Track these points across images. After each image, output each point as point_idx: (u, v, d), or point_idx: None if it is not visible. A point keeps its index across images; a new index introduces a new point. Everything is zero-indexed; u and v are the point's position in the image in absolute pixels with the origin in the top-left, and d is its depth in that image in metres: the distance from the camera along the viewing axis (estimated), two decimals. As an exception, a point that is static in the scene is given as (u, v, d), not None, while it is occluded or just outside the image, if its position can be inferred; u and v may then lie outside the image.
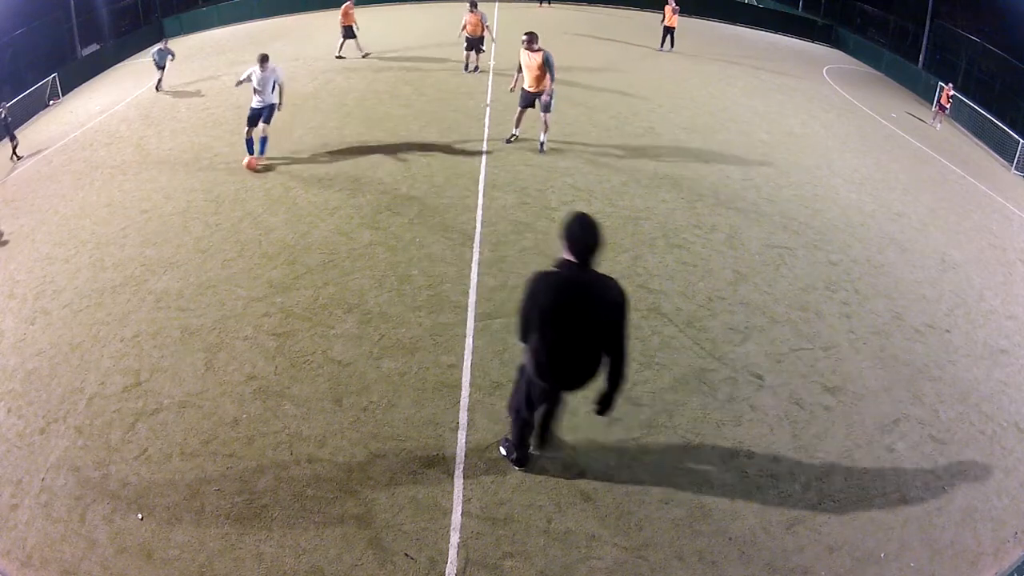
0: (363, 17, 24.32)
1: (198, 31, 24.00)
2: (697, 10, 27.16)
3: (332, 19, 24.35)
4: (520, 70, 10.32)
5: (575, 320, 3.98)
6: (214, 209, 9.48)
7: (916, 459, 5.75)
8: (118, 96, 16.54)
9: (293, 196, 9.74)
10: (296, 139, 11.94)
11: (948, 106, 18.06)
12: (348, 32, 17.89)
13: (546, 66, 10.02)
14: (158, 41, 18.21)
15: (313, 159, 11.00)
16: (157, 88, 16.23)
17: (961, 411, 6.43)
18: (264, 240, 8.58)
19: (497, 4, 25.89)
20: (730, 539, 4.83)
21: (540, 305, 3.99)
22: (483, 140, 11.80)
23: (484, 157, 11.05)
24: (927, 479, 5.55)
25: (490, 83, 15.31)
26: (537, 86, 10.20)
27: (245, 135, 10.79)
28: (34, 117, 16.20)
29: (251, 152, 10.84)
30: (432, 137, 11.92)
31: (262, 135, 10.77)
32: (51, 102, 17.29)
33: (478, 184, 10.07)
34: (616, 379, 4.22)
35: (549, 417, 5.04)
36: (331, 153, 11.23)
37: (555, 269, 3.98)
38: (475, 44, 15.82)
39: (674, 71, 18.47)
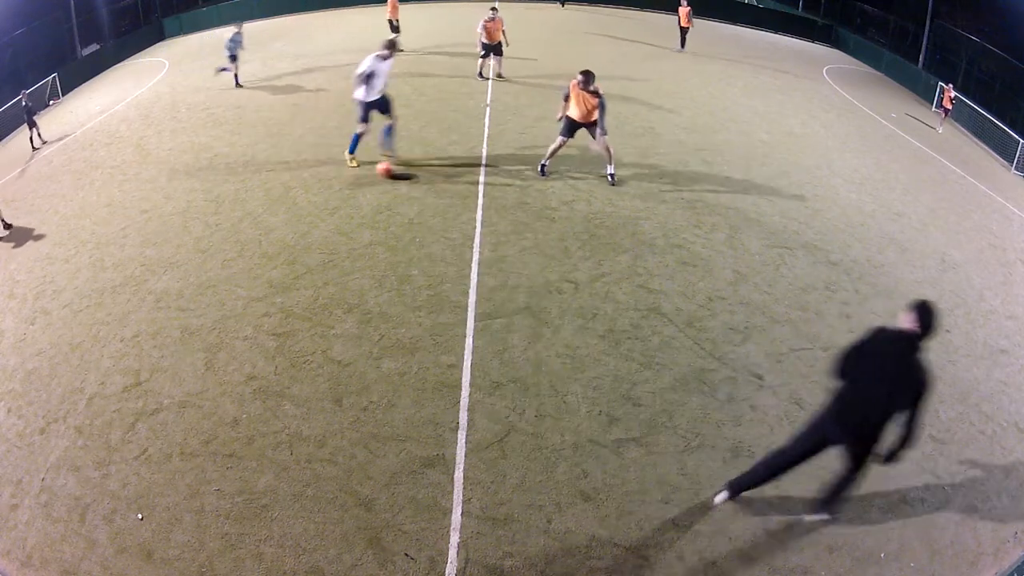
0: (363, 17, 24.40)
1: (198, 31, 24.00)
2: (697, 10, 27.05)
3: (331, 19, 24.41)
4: (567, 99, 9.79)
5: (881, 381, 4.32)
6: (214, 209, 9.48)
7: (916, 459, 5.75)
8: (118, 96, 16.53)
9: (293, 196, 9.74)
10: (296, 139, 11.94)
11: (951, 108, 18.01)
12: (393, 27, 17.93)
13: (600, 110, 9.59)
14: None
15: (313, 159, 10.99)
16: (237, 84, 15.58)
17: (961, 411, 6.43)
18: (264, 240, 8.58)
19: (497, 4, 25.87)
20: (730, 539, 4.84)
21: (866, 353, 4.43)
22: (483, 140, 11.80)
23: (484, 157, 11.05)
24: (927, 479, 5.55)
25: (490, 84, 15.31)
26: (588, 118, 9.73)
27: (359, 131, 10.12)
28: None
29: (352, 151, 10.45)
30: (432, 137, 11.92)
31: (388, 124, 10.30)
32: (51, 102, 17.30)
33: (478, 184, 10.07)
34: (903, 443, 4.37)
35: (847, 480, 4.84)
36: (331, 153, 11.23)
37: (896, 329, 4.39)
38: (493, 49, 14.98)
39: (674, 71, 18.47)
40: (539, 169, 10.49)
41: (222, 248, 8.44)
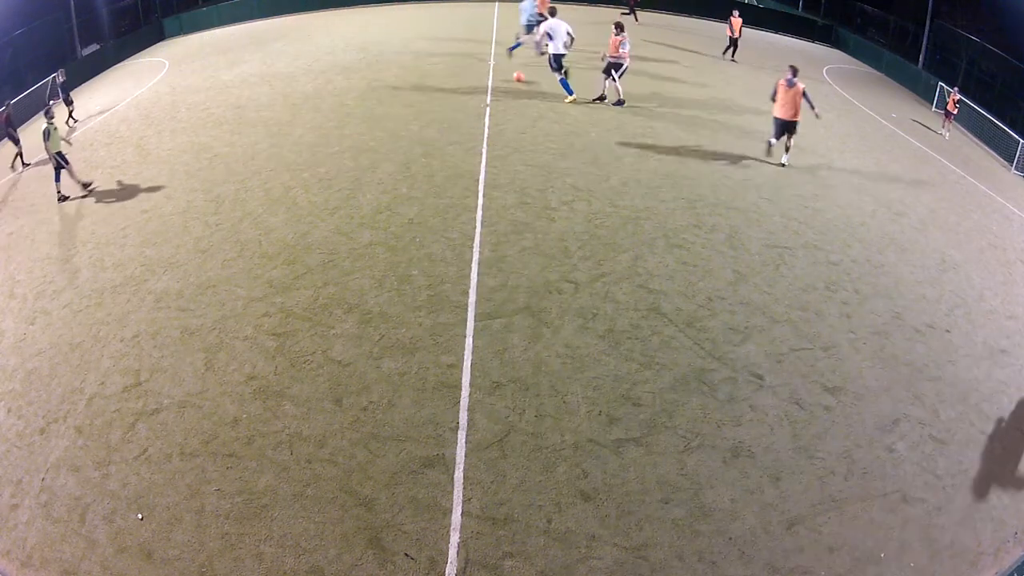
0: (363, 16, 24.40)
1: (198, 31, 24.01)
2: (697, 10, 27.18)
3: (331, 19, 24.40)
4: (774, 99, 11.50)
5: None
6: (214, 209, 9.48)
7: (916, 459, 5.75)
8: (118, 96, 16.54)
9: (293, 196, 9.74)
10: (296, 139, 11.95)
11: (955, 112, 17.87)
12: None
13: (804, 98, 11.22)
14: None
15: (313, 159, 11.00)
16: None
17: (961, 411, 6.43)
18: (264, 240, 8.58)
19: (497, 4, 25.87)
20: (730, 539, 4.84)
21: None
22: (483, 140, 11.80)
23: (484, 157, 11.05)
24: (927, 479, 5.55)
25: (490, 83, 15.31)
26: (792, 115, 11.37)
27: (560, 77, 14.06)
28: (34, 117, 16.18)
29: (568, 92, 14.13)
30: (432, 137, 11.92)
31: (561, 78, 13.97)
32: (51, 102, 17.27)
33: (478, 184, 10.07)
34: None
35: None
36: (331, 153, 11.23)
37: None
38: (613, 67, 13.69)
39: (674, 71, 18.46)
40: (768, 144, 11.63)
41: (222, 248, 8.44)
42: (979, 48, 21.01)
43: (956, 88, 18.09)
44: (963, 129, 18.68)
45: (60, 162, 10.32)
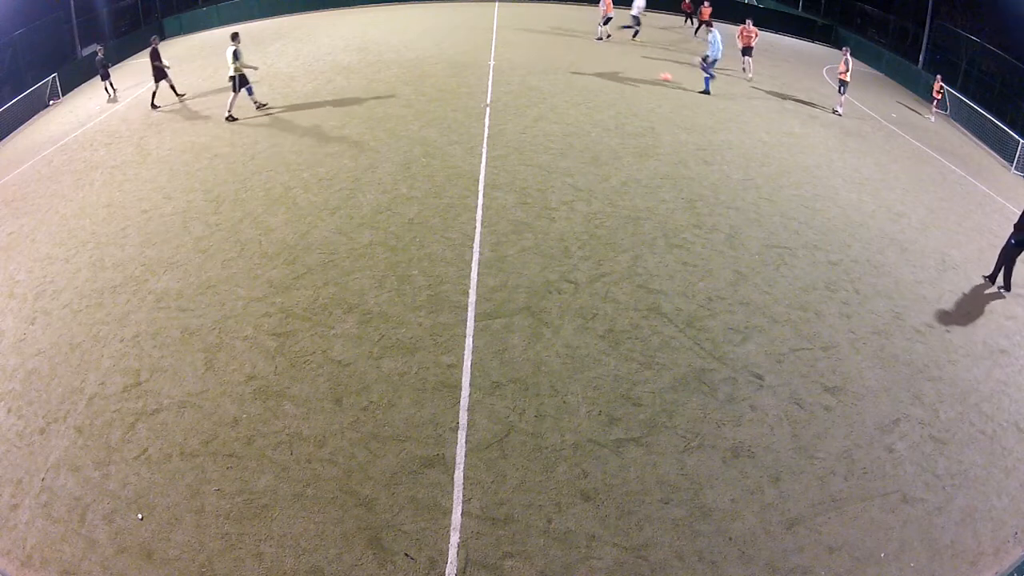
0: (363, 17, 24.39)
1: (198, 31, 24.00)
2: (697, 10, 27.13)
3: (331, 19, 24.39)
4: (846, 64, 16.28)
5: None
6: (214, 209, 9.48)
7: (916, 459, 5.75)
8: (118, 96, 16.51)
9: (293, 196, 9.74)
10: (296, 139, 11.95)
11: (939, 98, 18.91)
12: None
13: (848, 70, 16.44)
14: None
15: (313, 159, 11.00)
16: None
17: (961, 411, 6.43)
18: (264, 240, 8.58)
19: (497, 4, 25.88)
20: (730, 539, 4.84)
21: None
22: (483, 140, 11.80)
23: (484, 157, 11.05)
24: (927, 479, 5.56)
25: (490, 83, 15.31)
26: (844, 75, 16.24)
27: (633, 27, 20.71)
28: (34, 117, 16.18)
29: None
30: (432, 137, 11.92)
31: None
32: (51, 102, 17.26)
33: (478, 184, 10.07)
34: None
35: None
36: (331, 153, 11.23)
37: None
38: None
39: (673, 71, 18.44)
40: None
41: (222, 248, 8.44)
42: (979, 48, 21.01)
43: (939, 76, 19.27)
44: (962, 128, 18.69)
45: (244, 80, 12.34)
